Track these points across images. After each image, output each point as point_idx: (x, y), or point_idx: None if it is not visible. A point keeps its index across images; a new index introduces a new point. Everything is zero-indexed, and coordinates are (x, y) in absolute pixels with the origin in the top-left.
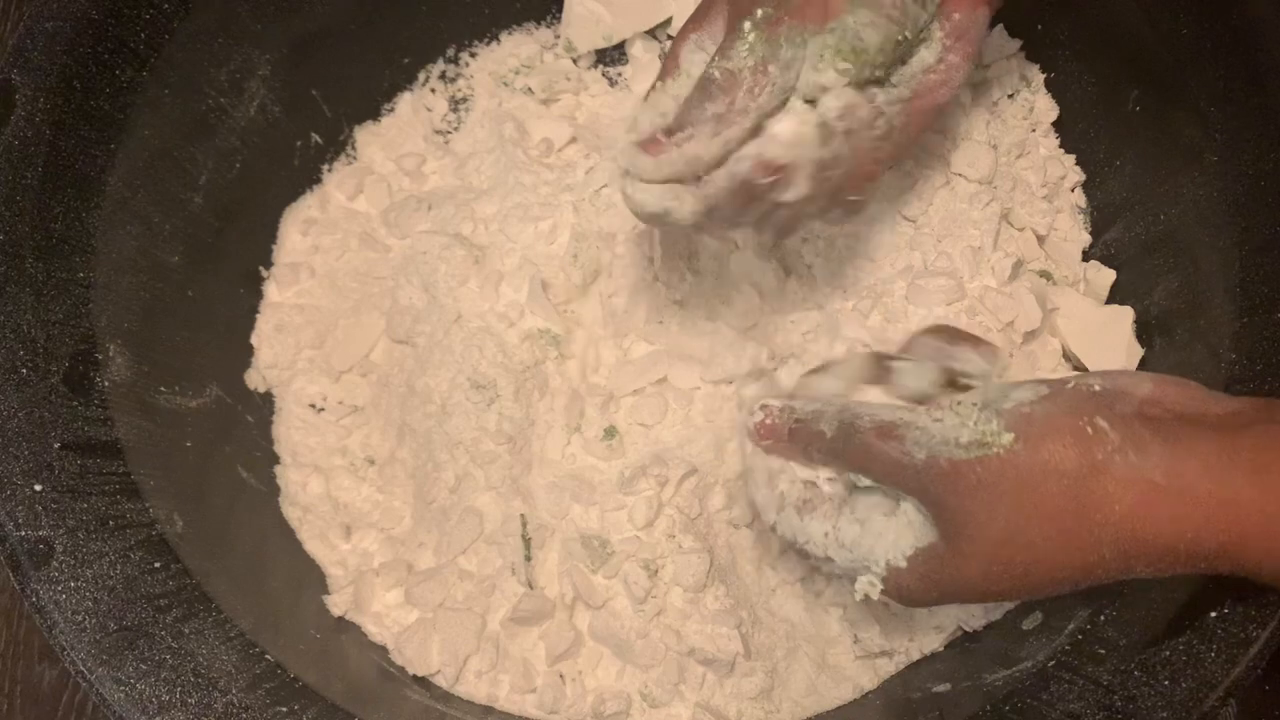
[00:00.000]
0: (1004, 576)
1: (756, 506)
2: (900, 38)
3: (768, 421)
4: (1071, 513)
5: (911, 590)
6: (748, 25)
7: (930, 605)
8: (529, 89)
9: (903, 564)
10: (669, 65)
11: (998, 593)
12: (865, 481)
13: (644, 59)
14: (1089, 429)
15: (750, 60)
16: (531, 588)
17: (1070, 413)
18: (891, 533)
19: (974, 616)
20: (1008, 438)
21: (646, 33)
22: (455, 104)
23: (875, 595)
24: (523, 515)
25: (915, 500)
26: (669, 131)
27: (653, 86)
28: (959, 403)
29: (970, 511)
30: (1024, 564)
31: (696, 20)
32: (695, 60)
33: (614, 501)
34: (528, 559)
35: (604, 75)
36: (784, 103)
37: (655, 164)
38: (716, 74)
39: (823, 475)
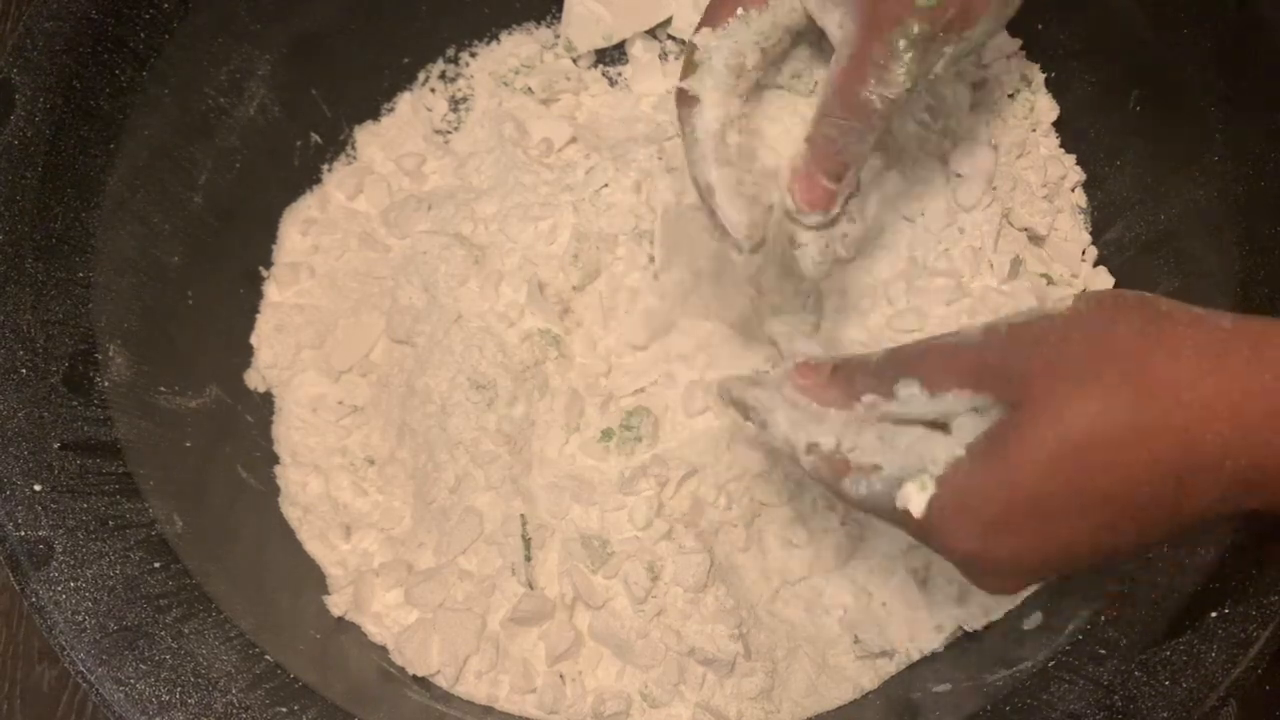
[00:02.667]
0: (1088, 449)
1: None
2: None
3: (810, 364)
4: (1141, 356)
5: (972, 494)
6: (903, 44)
7: (990, 534)
8: (529, 89)
9: (961, 452)
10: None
11: (1081, 479)
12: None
13: (644, 59)
14: (1148, 295)
15: (908, 84)
16: (531, 588)
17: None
18: (944, 439)
19: (974, 616)
20: (1068, 301)
21: (646, 32)
22: (455, 104)
23: (921, 506)
24: (523, 515)
25: (968, 396)
26: (836, 177)
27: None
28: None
29: (1035, 364)
30: (1105, 423)
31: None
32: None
33: (614, 501)
34: (528, 559)
35: (604, 75)
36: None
37: (824, 215)
38: (878, 104)
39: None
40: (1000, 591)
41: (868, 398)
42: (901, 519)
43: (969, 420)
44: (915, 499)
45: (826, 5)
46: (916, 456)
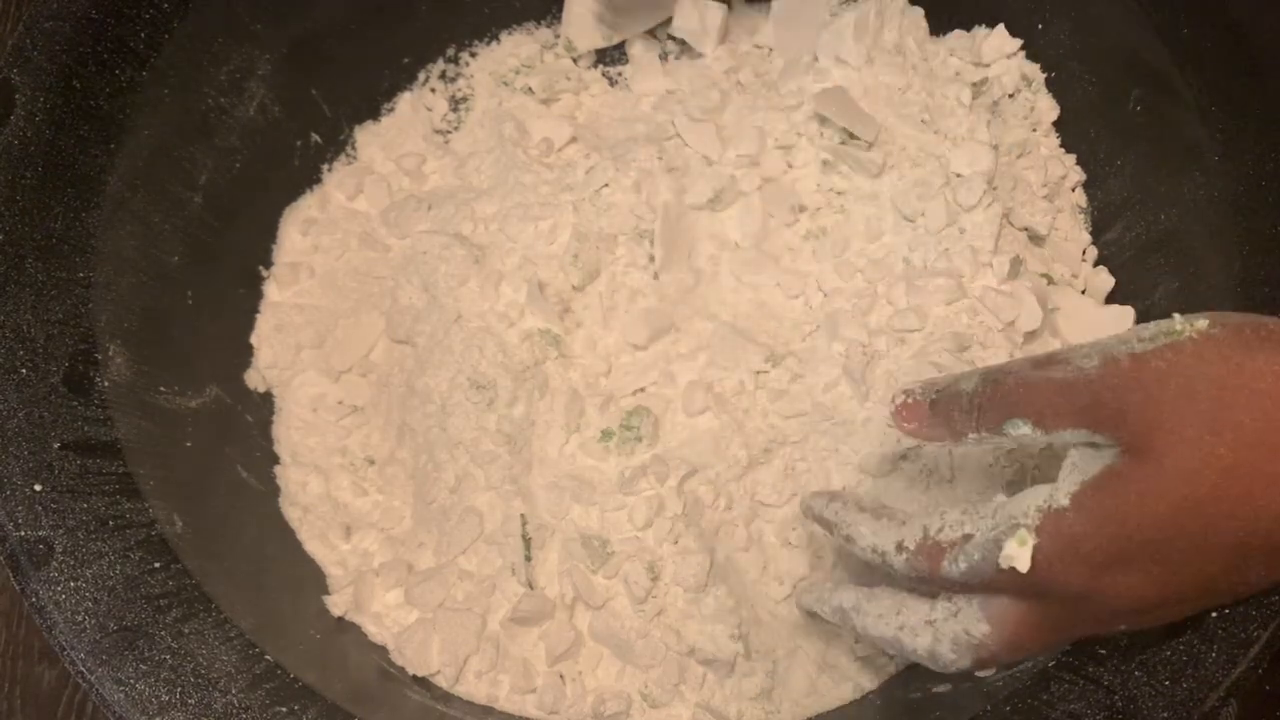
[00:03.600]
0: (1213, 493)
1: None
2: None
3: (909, 402)
4: None
5: (1081, 539)
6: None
7: (1104, 572)
8: (529, 89)
9: (1065, 503)
10: None
11: (1206, 529)
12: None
13: (644, 59)
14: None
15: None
16: (531, 588)
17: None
18: (1044, 488)
19: None
20: (1202, 323)
21: (646, 32)
22: (455, 104)
23: (1026, 559)
24: (523, 515)
25: (1084, 433)
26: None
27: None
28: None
29: (1161, 401)
30: (1235, 467)
31: None
32: None
33: (614, 501)
34: (528, 559)
35: (604, 75)
36: None
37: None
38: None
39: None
40: (1134, 626)
41: (973, 436)
42: (1010, 580)
43: (1082, 457)
44: (1019, 555)
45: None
46: (1006, 515)
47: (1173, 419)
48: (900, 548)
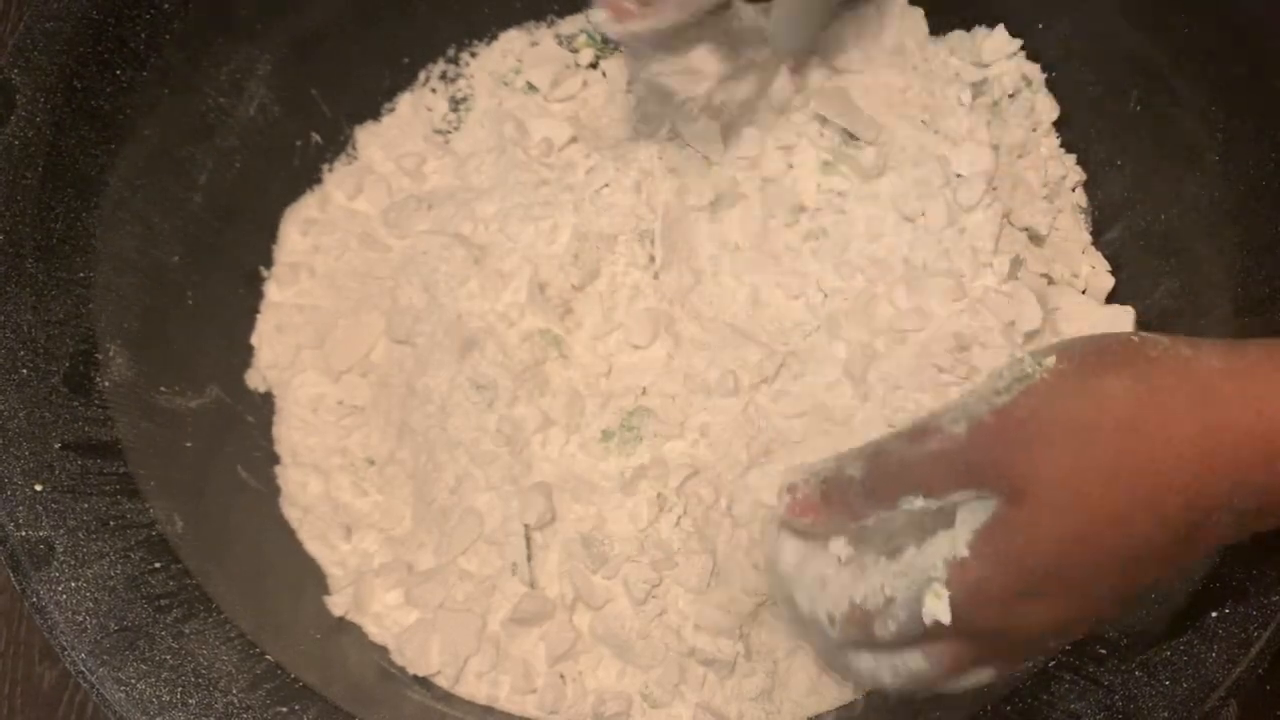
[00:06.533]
0: (1092, 526)
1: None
2: None
3: (799, 497)
4: (1133, 422)
5: (985, 582)
6: None
7: (1015, 605)
8: (530, 85)
9: (965, 553)
10: None
11: (1091, 569)
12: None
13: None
14: (1134, 338)
15: None
16: (533, 587)
17: (1110, 334)
18: (946, 538)
19: None
20: (1049, 360)
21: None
22: (455, 104)
23: (947, 612)
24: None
25: (971, 492)
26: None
27: None
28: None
29: (1028, 452)
30: (1106, 499)
31: None
32: None
33: (614, 501)
34: (529, 559)
35: (604, 75)
36: None
37: (623, 31)
38: None
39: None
40: (1062, 642)
41: (871, 520)
42: (937, 629)
43: (971, 509)
44: (939, 608)
45: None
46: (919, 571)
47: (1039, 466)
48: (831, 619)
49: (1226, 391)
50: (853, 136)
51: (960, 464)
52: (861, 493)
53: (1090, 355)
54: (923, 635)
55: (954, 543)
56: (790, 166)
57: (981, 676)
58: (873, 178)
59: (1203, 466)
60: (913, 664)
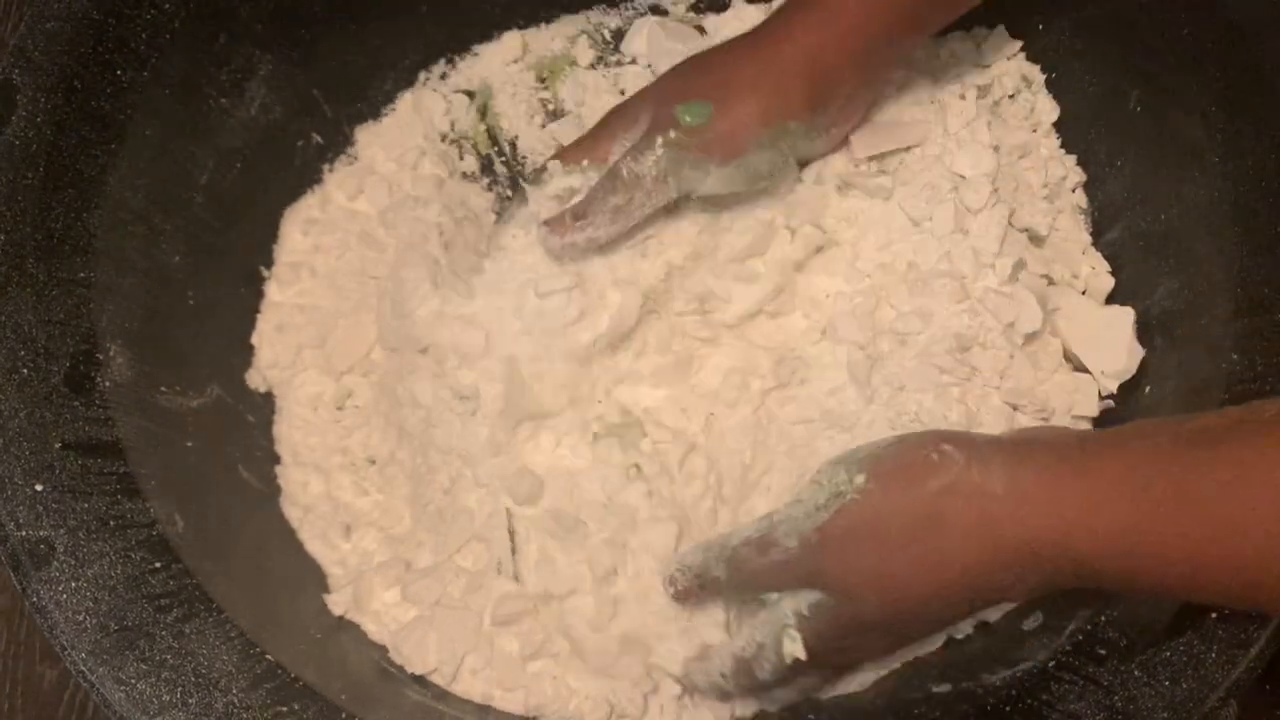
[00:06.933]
0: (898, 611)
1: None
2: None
3: (680, 589)
4: (924, 536)
5: (823, 633)
6: (660, 141)
7: (848, 654)
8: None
9: (806, 612)
10: (599, 153)
11: (903, 629)
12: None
13: (644, 59)
14: (934, 455)
15: (654, 171)
16: (519, 581)
17: (918, 445)
18: (791, 597)
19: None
20: (860, 479)
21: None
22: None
23: (801, 650)
24: (508, 509)
25: (808, 589)
26: (575, 216)
27: (576, 148)
28: (817, 472)
29: (844, 561)
30: (906, 594)
31: (625, 120)
32: (616, 152)
33: (612, 503)
34: (514, 553)
35: (605, 75)
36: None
37: (561, 245)
38: (624, 173)
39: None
40: (898, 659)
41: (740, 610)
42: (796, 667)
43: (805, 599)
44: (795, 649)
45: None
46: (776, 620)
47: (852, 575)
48: (724, 675)
49: (1001, 516)
50: (867, 160)
51: (794, 572)
52: (730, 586)
53: (897, 472)
54: (792, 669)
55: (798, 603)
56: (801, 181)
57: (851, 685)
58: (884, 200)
59: (980, 568)
60: (790, 697)
